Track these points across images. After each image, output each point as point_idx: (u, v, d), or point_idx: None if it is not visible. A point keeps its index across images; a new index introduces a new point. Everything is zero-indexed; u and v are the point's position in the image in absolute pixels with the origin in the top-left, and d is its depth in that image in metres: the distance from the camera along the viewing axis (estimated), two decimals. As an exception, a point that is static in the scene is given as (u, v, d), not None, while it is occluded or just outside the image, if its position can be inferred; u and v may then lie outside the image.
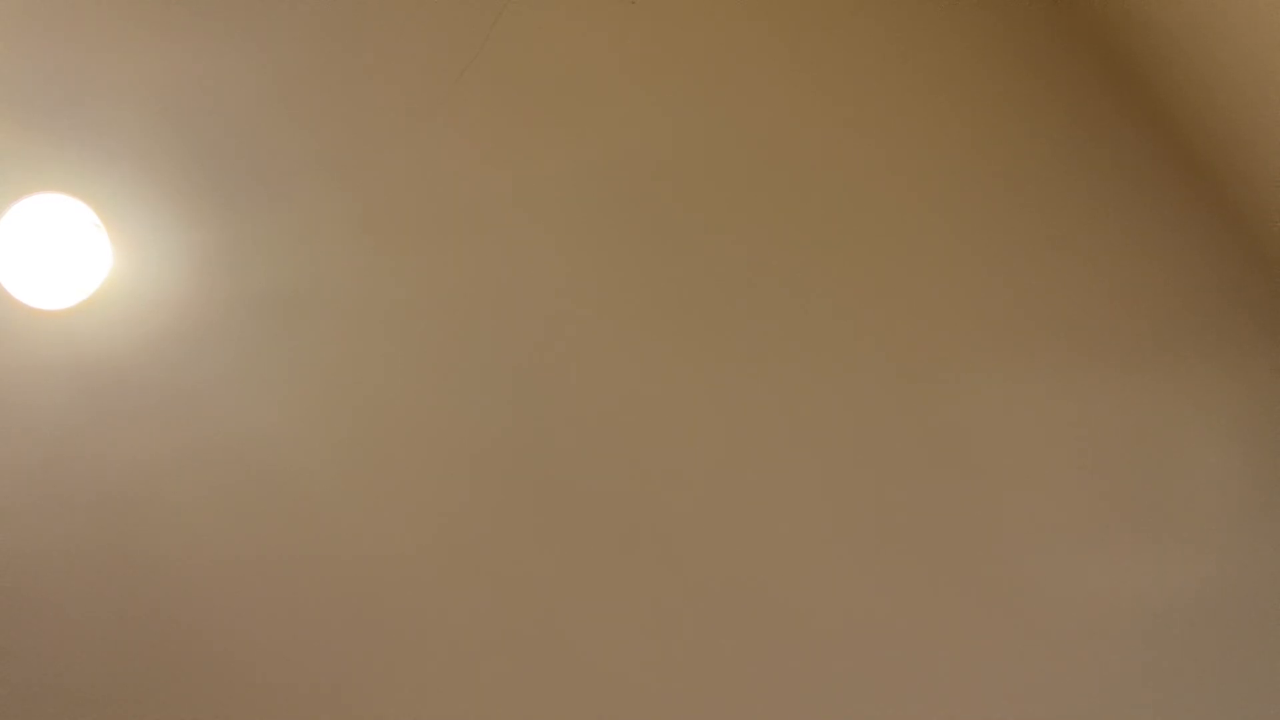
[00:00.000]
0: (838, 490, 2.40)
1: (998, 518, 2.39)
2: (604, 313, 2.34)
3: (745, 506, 2.39)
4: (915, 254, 2.36)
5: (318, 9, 2.22)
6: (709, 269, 2.35)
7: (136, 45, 2.19)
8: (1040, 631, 2.40)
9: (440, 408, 2.35)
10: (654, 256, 2.35)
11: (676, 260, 2.35)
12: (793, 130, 2.33)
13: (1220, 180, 2.35)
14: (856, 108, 2.34)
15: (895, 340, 2.37)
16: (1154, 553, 2.38)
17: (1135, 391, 2.37)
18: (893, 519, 2.40)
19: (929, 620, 2.41)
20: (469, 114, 2.26)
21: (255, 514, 2.34)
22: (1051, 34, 2.35)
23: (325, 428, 2.35)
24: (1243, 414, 2.38)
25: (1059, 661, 2.40)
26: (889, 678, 2.41)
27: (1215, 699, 2.39)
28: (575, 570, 2.40)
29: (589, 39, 2.28)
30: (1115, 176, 2.36)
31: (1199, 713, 2.38)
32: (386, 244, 2.31)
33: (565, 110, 2.29)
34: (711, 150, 2.33)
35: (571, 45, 2.27)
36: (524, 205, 2.31)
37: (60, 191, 2.18)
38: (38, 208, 2.17)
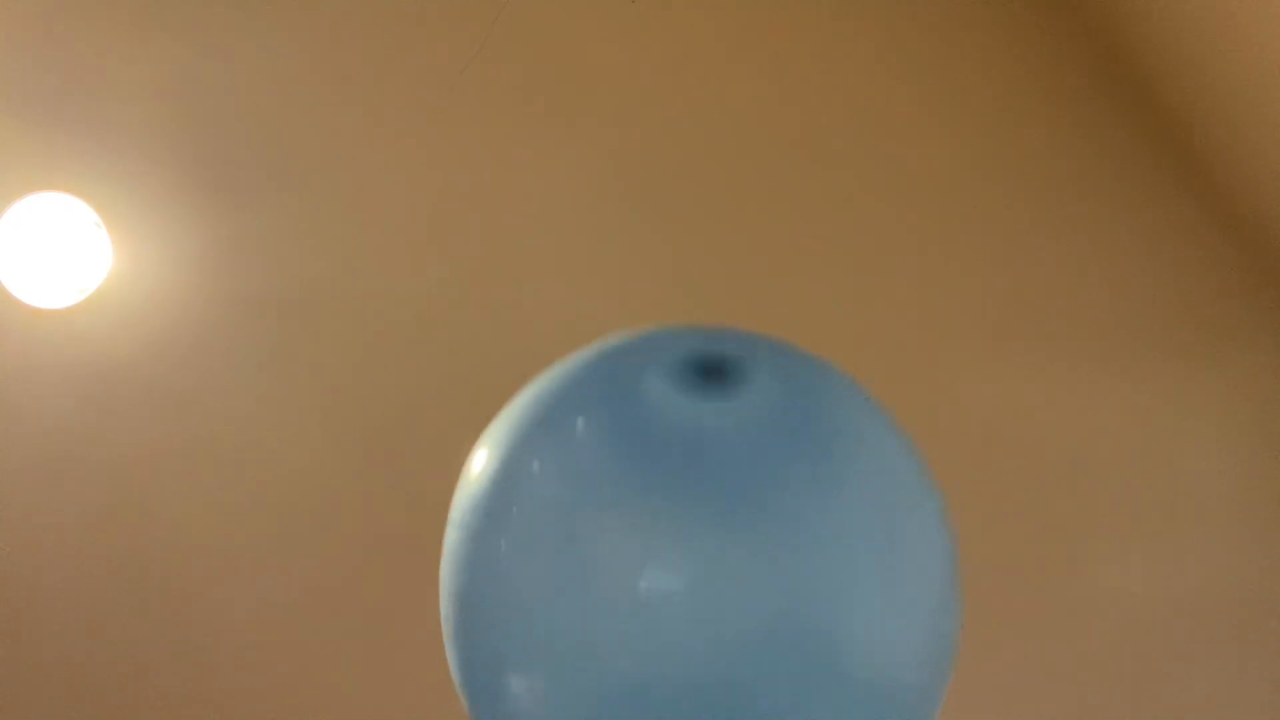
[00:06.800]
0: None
1: (996, 518, 2.39)
2: (605, 310, 2.34)
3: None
4: (914, 253, 2.36)
5: (318, 10, 2.23)
6: (709, 266, 2.35)
7: (137, 45, 2.19)
8: (1037, 632, 2.40)
9: (440, 407, 2.35)
10: (655, 254, 2.35)
11: (677, 258, 2.35)
12: (792, 129, 2.33)
13: (1220, 180, 2.35)
14: (857, 107, 2.35)
15: (894, 340, 2.37)
16: (1153, 552, 2.38)
17: (1135, 391, 2.37)
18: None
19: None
20: (469, 113, 2.27)
21: (254, 513, 2.34)
22: (1051, 34, 2.35)
23: (325, 427, 2.34)
24: (1243, 414, 2.38)
25: (1055, 662, 2.40)
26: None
27: (1214, 699, 2.38)
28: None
29: (589, 39, 2.28)
30: (1115, 176, 2.36)
31: (1198, 712, 2.38)
32: (387, 244, 2.31)
33: (565, 109, 2.29)
34: (711, 149, 2.33)
35: (571, 45, 2.28)
36: (524, 204, 2.31)
37: (61, 190, 2.18)
38: (38, 207, 2.17)
